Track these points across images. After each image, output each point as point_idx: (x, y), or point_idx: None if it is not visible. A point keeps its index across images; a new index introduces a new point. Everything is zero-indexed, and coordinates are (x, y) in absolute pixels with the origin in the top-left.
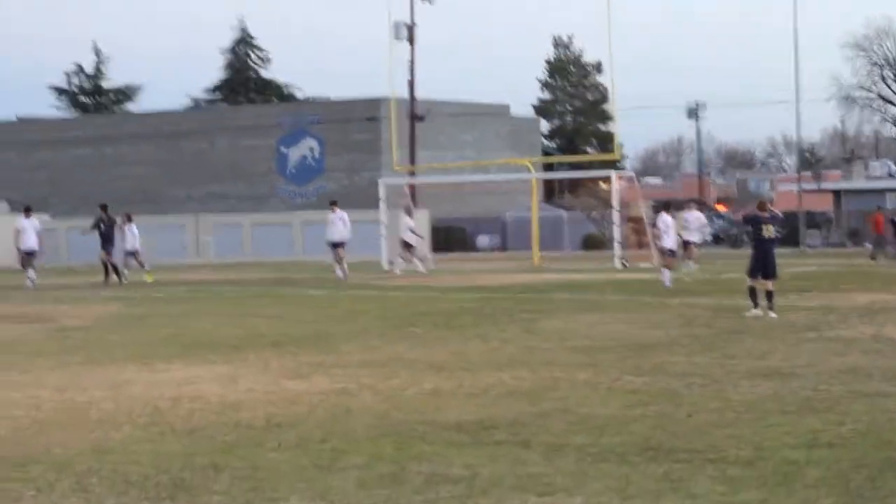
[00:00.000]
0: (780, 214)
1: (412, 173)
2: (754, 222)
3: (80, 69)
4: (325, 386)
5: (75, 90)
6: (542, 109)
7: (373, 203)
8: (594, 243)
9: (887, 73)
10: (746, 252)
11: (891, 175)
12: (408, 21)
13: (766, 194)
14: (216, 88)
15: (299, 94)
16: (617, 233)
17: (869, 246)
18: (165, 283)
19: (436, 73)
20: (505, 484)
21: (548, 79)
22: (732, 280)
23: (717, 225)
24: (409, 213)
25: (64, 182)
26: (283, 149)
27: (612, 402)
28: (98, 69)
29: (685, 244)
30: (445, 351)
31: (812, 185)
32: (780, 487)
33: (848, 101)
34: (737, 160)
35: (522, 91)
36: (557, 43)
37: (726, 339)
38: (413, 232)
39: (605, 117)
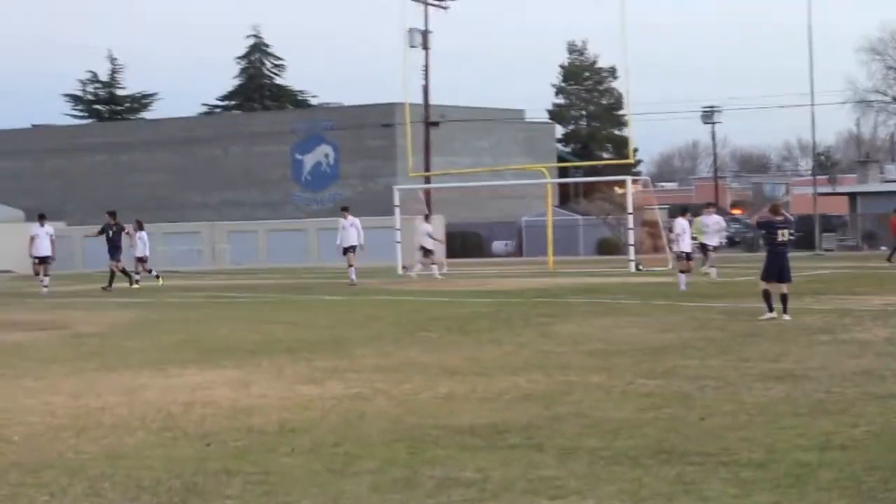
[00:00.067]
0: (791, 218)
1: (427, 179)
2: (769, 227)
3: (95, 77)
4: (338, 391)
5: (90, 98)
6: (557, 114)
7: (388, 209)
8: (609, 248)
9: None
10: (762, 256)
11: None
12: (422, 27)
13: (782, 198)
14: (230, 96)
15: (314, 101)
16: (631, 237)
17: (885, 249)
18: (181, 290)
19: (450, 78)
20: (517, 487)
21: (562, 84)
22: (747, 283)
23: (733, 228)
24: (427, 218)
25: (79, 189)
26: (297, 155)
27: (625, 405)
28: (113, 77)
29: (703, 248)
30: (459, 355)
31: (827, 189)
32: (793, 490)
33: (863, 104)
34: (752, 164)
35: (537, 96)
36: (572, 48)
37: (740, 342)
38: (431, 237)
39: (620, 122)
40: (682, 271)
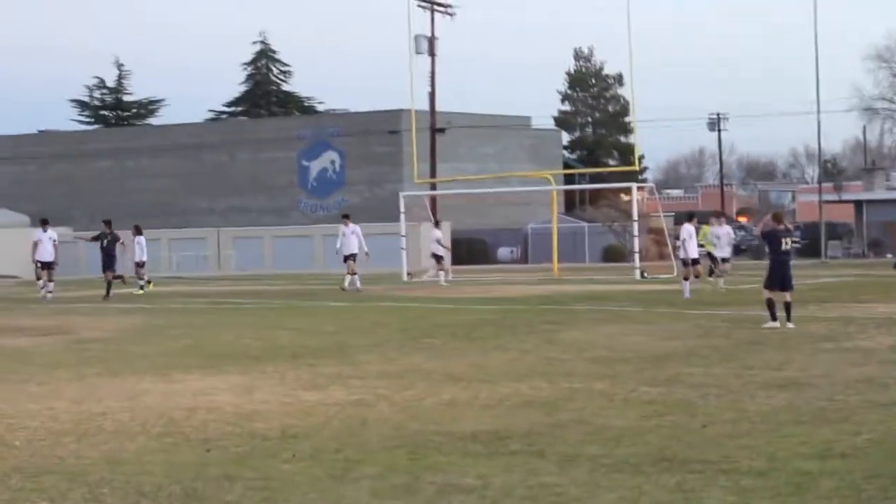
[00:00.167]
0: (791, 227)
1: (433, 186)
2: (773, 236)
3: (102, 83)
4: (341, 397)
5: (97, 104)
6: (563, 121)
7: (394, 216)
8: (615, 255)
9: None
10: (766, 263)
11: None
12: (428, 34)
13: (788, 206)
14: (237, 102)
15: (320, 108)
16: (637, 244)
17: (890, 256)
18: (186, 295)
19: (456, 85)
20: (517, 494)
21: (568, 91)
22: (752, 291)
23: (739, 236)
24: (437, 224)
25: (84, 195)
26: (304, 162)
27: (627, 412)
28: (120, 83)
29: (712, 257)
30: (464, 362)
31: (833, 196)
32: (793, 498)
33: (870, 112)
34: (759, 171)
35: (543, 103)
36: (578, 55)
37: (744, 349)
38: (439, 243)
39: (627, 129)
40: (685, 278)
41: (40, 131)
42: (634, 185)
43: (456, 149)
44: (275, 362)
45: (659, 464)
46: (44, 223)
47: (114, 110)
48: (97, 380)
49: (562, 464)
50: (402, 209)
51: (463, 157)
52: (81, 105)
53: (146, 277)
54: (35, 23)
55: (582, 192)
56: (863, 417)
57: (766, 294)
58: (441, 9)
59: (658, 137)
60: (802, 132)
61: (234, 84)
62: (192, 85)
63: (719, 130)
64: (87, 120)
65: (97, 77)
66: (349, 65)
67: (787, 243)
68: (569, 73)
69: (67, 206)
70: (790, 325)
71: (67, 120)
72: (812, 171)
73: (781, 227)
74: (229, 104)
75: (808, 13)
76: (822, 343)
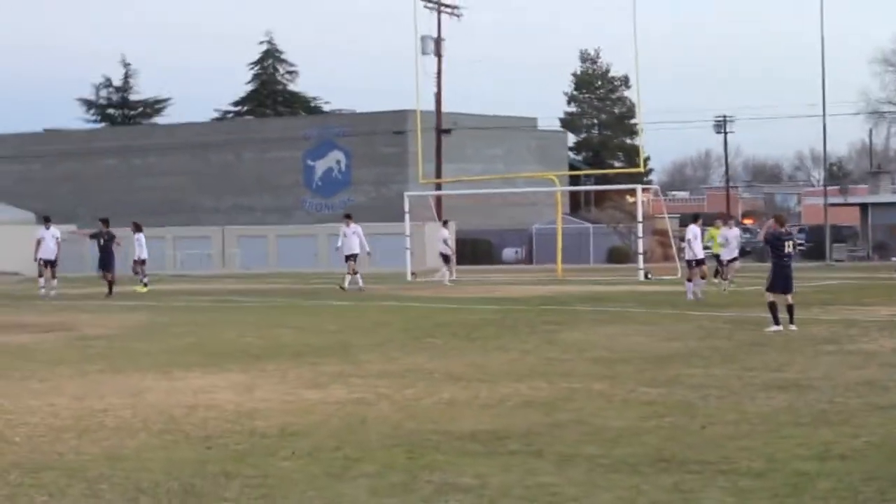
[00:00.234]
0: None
1: (438, 186)
2: (776, 239)
3: (109, 82)
4: (341, 396)
5: (103, 103)
6: (569, 123)
7: (399, 216)
8: (619, 256)
9: None
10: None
11: None
12: (435, 35)
13: (793, 208)
14: (243, 101)
15: (326, 107)
16: (640, 245)
17: (895, 260)
18: (190, 293)
19: (463, 86)
20: (514, 493)
21: (575, 92)
22: (755, 293)
23: (744, 238)
24: (445, 224)
25: (91, 193)
26: (309, 161)
27: (626, 413)
28: (126, 82)
29: (718, 260)
30: (464, 362)
31: (839, 199)
32: (790, 499)
33: (876, 115)
34: (764, 174)
35: (549, 104)
36: (585, 57)
37: (746, 351)
38: (446, 243)
39: (632, 131)
40: (689, 280)
41: (46, 130)
42: (639, 187)
43: (462, 149)
44: (276, 360)
45: (657, 464)
46: (46, 221)
47: (120, 109)
48: (99, 376)
49: (559, 464)
50: (407, 209)
51: (469, 157)
52: (88, 104)
53: (144, 279)
54: (41, 22)
55: (587, 193)
56: (863, 420)
57: (769, 297)
58: (448, 9)
59: (664, 139)
60: (808, 135)
61: (240, 84)
62: (199, 84)
63: (725, 133)
64: (94, 119)
65: (104, 76)
66: (355, 65)
67: (789, 246)
68: (575, 75)
69: (74, 204)
70: (793, 328)
71: (73, 119)
72: (818, 174)
73: (784, 230)
74: (235, 104)
75: (815, 17)
76: (823, 345)
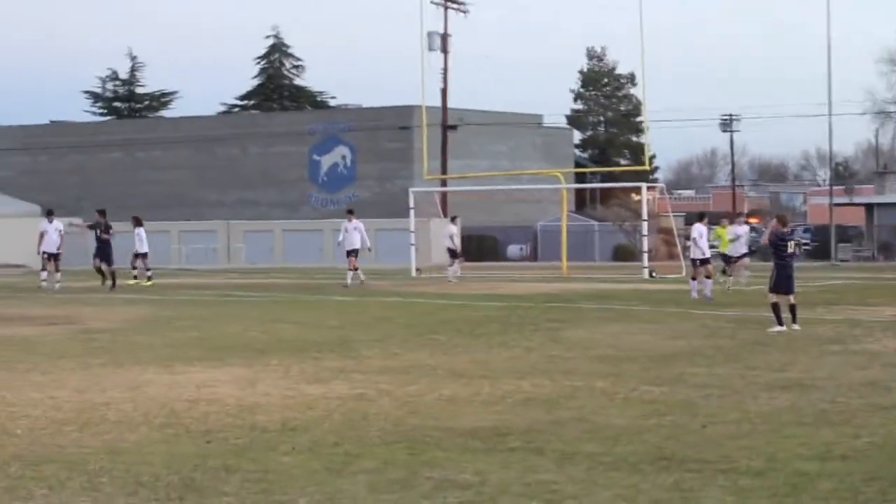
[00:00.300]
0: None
1: (444, 182)
2: (780, 240)
3: (115, 75)
4: (343, 391)
5: (109, 95)
6: (575, 120)
7: (404, 211)
8: (624, 254)
9: None
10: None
11: None
12: (441, 31)
13: (799, 208)
14: (249, 95)
15: (332, 102)
16: (645, 243)
17: None
18: (194, 288)
19: (469, 82)
20: (513, 490)
21: (581, 89)
22: (759, 292)
23: (750, 237)
24: (453, 220)
25: (96, 186)
26: (315, 156)
27: (628, 411)
28: (132, 75)
29: (726, 258)
30: (467, 358)
31: (844, 199)
32: (789, 499)
33: (882, 115)
34: (770, 173)
35: (555, 101)
36: (591, 54)
37: (749, 350)
38: (451, 239)
39: (638, 128)
40: (693, 278)
41: (52, 122)
42: (644, 185)
43: (468, 146)
44: (279, 355)
45: (657, 463)
46: (49, 214)
47: (126, 102)
48: (101, 370)
49: (560, 461)
50: (412, 205)
51: (475, 154)
52: (94, 96)
53: (137, 274)
54: (49, 14)
55: (593, 190)
56: (864, 420)
57: (773, 298)
58: (454, 6)
59: (671, 138)
60: (815, 134)
61: (246, 78)
62: (205, 78)
63: (731, 131)
64: (100, 111)
65: (110, 69)
66: (361, 60)
67: (791, 246)
68: (581, 72)
69: (78, 197)
70: (796, 327)
71: (80, 111)
72: (824, 174)
73: (786, 229)
74: (241, 98)
75: (822, 16)
76: (827, 345)
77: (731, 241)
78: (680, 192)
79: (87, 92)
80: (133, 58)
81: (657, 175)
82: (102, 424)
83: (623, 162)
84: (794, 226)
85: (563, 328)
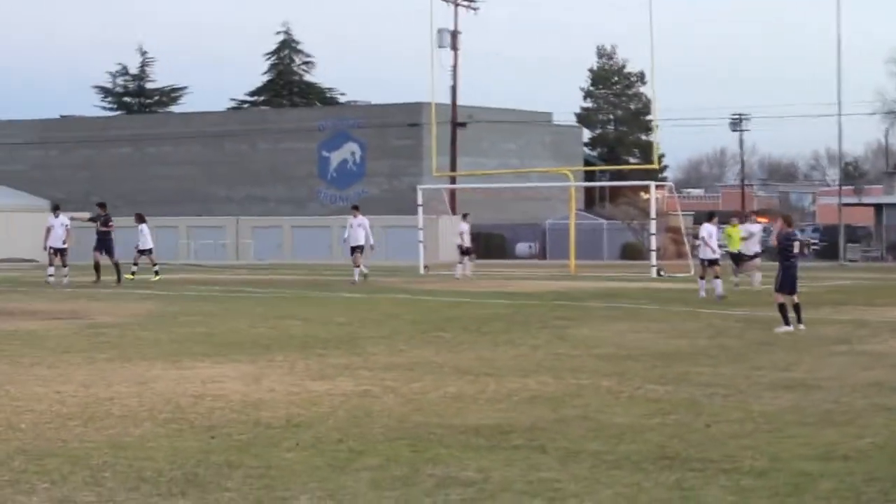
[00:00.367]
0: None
1: (453, 180)
2: (787, 240)
3: (125, 70)
4: (348, 388)
5: (120, 91)
6: (585, 118)
7: (413, 208)
8: (633, 252)
9: None
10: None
11: None
12: (451, 28)
13: (807, 208)
14: (259, 91)
15: (342, 99)
16: (653, 242)
17: None
18: (202, 283)
19: (478, 80)
20: (515, 488)
21: (591, 87)
22: (765, 292)
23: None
24: (465, 217)
25: (105, 181)
26: (324, 152)
27: (632, 410)
28: (143, 70)
29: (735, 257)
30: (473, 356)
31: (853, 199)
32: (791, 498)
33: (892, 115)
34: (780, 173)
35: (565, 99)
36: (601, 52)
37: (755, 350)
38: (461, 236)
39: (648, 127)
40: (701, 277)
41: (62, 116)
42: (653, 184)
43: (478, 143)
44: (285, 351)
45: (659, 461)
46: (55, 209)
47: (136, 97)
48: (107, 365)
49: (563, 459)
50: (420, 202)
51: (485, 151)
52: (104, 91)
53: (133, 269)
54: (59, 9)
55: (601, 189)
56: (868, 420)
57: (779, 298)
58: (465, 3)
59: (680, 137)
60: (824, 134)
61: (256, 74)
62: (215, 74)
63: (741, 131)
64: (110, 106)
65: (120, 64)
66: (371, 57)
67: (797, 246)
68: (591, 71)
69: (88, 192)
70: (801, 327)
71: (90, 106)
72: (833, 174)
73: (792, 230)
74: (251, 93)
75: (831, 16)
76: (833, 346)
77: (744, 238)
78: (689, 191)
79: (97, 87)
80: (143, 53)
81: (666, 174)
82: (107, 419)
83: (632, 160)
84: (804, 225)
85: (570, 326)
